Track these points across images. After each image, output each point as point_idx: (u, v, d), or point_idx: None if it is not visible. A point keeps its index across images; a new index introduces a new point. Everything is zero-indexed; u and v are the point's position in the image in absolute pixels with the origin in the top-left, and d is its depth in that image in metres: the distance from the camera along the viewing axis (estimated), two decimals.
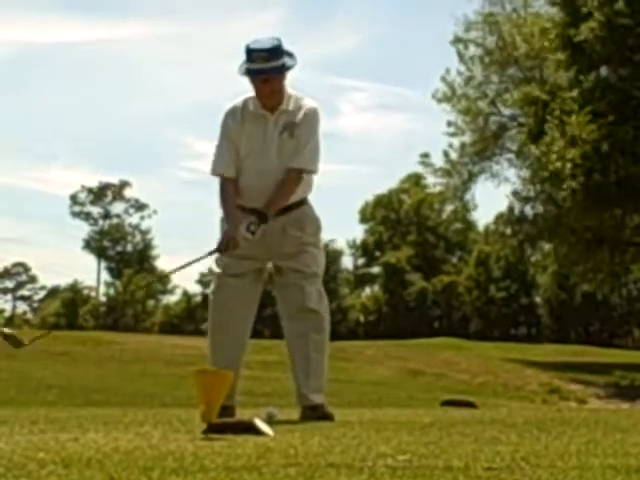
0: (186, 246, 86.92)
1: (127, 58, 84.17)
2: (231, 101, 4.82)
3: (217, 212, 5.06)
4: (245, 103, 4.63)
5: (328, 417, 4.58)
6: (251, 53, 4.47)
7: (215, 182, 4.93)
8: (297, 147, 4.56)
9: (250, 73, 4.52)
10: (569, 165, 20.50)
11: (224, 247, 4.48)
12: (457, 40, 26.30)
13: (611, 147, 20.58)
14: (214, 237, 4.94)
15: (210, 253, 4.58)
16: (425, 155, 30.07)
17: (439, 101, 26.11)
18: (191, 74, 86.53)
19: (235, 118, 4.61)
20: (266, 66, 4.50)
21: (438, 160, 28.39)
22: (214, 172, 4.69)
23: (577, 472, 2.47)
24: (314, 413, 4.57)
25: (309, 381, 4.66)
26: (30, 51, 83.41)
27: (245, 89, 4.69)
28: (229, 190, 4.61)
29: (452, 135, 26.47)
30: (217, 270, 4.80)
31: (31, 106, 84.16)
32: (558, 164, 20.64)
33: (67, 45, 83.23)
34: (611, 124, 20.73)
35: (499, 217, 30.29)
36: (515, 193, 26.81)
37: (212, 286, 4.89)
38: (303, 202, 4.70)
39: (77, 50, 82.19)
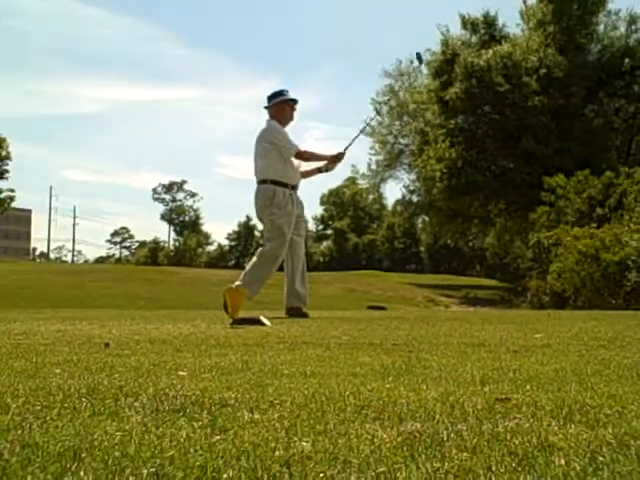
0: (221, 218, 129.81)
1: (180, 110, 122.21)
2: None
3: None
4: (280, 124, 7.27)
5: (305, 315, 6.54)
6: (283, 92, 7.22)
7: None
8: None
9: (292, 100, 7.29)
10: (438, 174, 33.08)
11: (340, 157, 7.47)
12: (374, 102, 41.63)
13: (463, 163, 32.87)
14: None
15: (330, 162, 7.43)
16: (353, 165, 51.14)
17: (364, 135, 39.68)
18: (219, 118, 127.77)
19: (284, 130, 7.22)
20: (296, 98, 7.33)
21: (364, 168, 47.09)
22: (296, 149, 7.18)
23: (444, 346, 3.50)
24: (297, 312, 6.42)
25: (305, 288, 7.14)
26: (120, 106, 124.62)
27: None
28: (307, 150, 7.25)
29: (373, 155, 43.12)
30: (285, 230, 7.03)
31: (125, 141, 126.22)
32: (431, 173, 33.60)
33: (139, 102, 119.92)
34: (463, 150, 33.24)
35: (397, 202, 53.31)
36: (406, 188, 43.82)
37: (279, 242, 7.08)
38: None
39: (145, 105, 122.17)
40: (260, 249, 7.37)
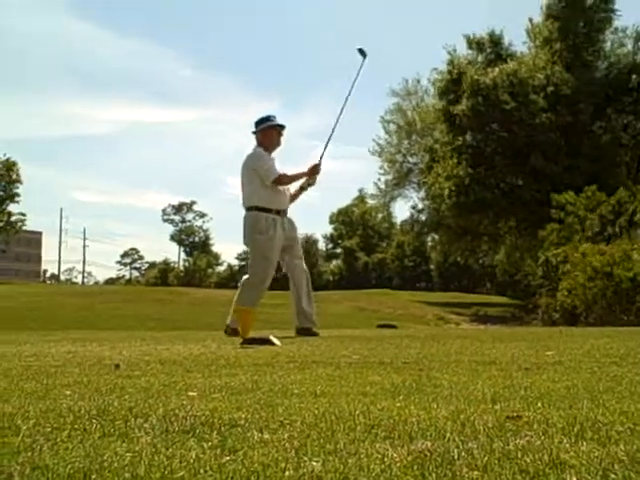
0: (231, 239, 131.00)
1: (186, 131, 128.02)
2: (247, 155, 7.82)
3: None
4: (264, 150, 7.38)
5: (315, 334, 6.49)
6: (270, 117, 7.33)
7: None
8: None
9: (279, 126, 7.40)
10: (446, 191, 33.15)
11: (317, 168, 7.50)
12: (383, 120, 43.65)
13: (470, 181, 33.08)
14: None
15: (309, 176, 7.52)
16: (360, 190, 54.96)
17: (372, 154, 42.71)
18: (225, 138, 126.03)
19: (269, 156, 7.36)
20: (283, 124, 7.43)
21: (372, 188, 49.07)
22: (275, 175, 7.25)
23: (454, 364, 3.47)
24: (307, 332, 6.45)
25: (312, 308, 7.20)
26: (125, 127, 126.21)
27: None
28: (285, 174, 7.36)
29: (382, 174, 43.84)
30: (268, 255, 7.20)
31: (132, 162, 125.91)
32: (439, 191, 33.97)
33: (145, 123, 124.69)
34: (470, 167, 33.31)
35: (403, 222, 57.83)
36: (414, 208, 45.56)
37: (263, 266, 7.26)
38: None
39: (151, 126, 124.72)
40: (244, 277, 7.47)
